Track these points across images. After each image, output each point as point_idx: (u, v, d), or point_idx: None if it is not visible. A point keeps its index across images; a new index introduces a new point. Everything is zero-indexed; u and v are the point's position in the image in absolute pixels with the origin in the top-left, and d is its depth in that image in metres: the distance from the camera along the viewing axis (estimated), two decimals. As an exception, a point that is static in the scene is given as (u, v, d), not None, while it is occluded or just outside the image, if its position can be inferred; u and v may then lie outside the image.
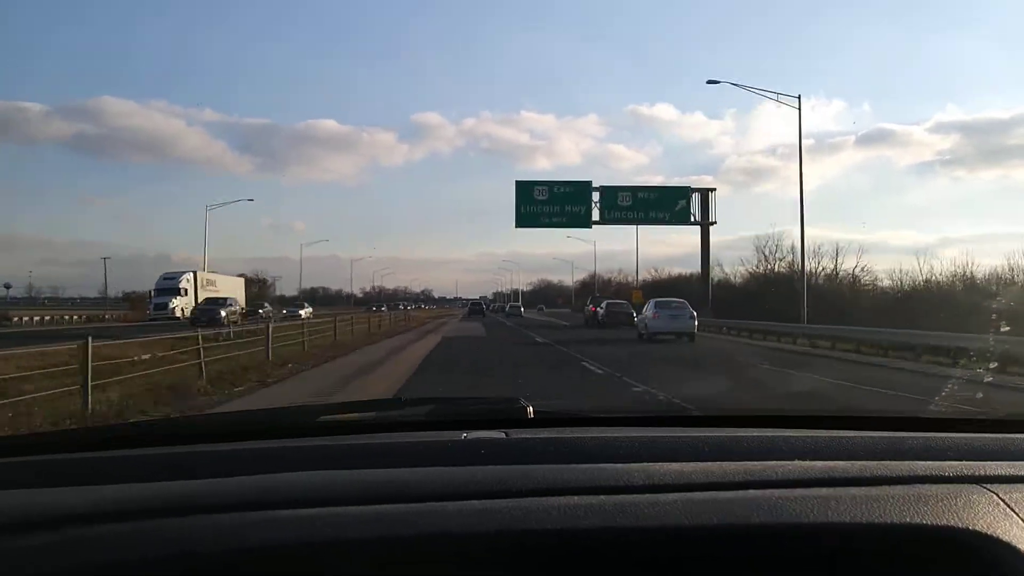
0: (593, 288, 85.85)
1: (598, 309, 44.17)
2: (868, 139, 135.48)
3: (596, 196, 44.11)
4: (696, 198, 44.68)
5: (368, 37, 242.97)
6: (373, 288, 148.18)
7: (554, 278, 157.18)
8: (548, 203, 43.47)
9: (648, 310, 28.48)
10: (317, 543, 0.91)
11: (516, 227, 44.15)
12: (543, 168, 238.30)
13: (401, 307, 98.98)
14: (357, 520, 0.94)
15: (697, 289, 45.62)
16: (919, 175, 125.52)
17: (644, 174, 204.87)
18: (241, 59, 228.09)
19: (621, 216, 44.30)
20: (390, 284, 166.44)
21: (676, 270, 74.49)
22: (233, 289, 64.60)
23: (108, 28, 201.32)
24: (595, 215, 44.02)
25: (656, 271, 79.55)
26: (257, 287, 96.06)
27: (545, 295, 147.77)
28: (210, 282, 60.02)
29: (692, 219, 44.47)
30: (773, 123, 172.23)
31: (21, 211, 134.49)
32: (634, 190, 44.50)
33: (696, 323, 27.00)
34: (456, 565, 0.91)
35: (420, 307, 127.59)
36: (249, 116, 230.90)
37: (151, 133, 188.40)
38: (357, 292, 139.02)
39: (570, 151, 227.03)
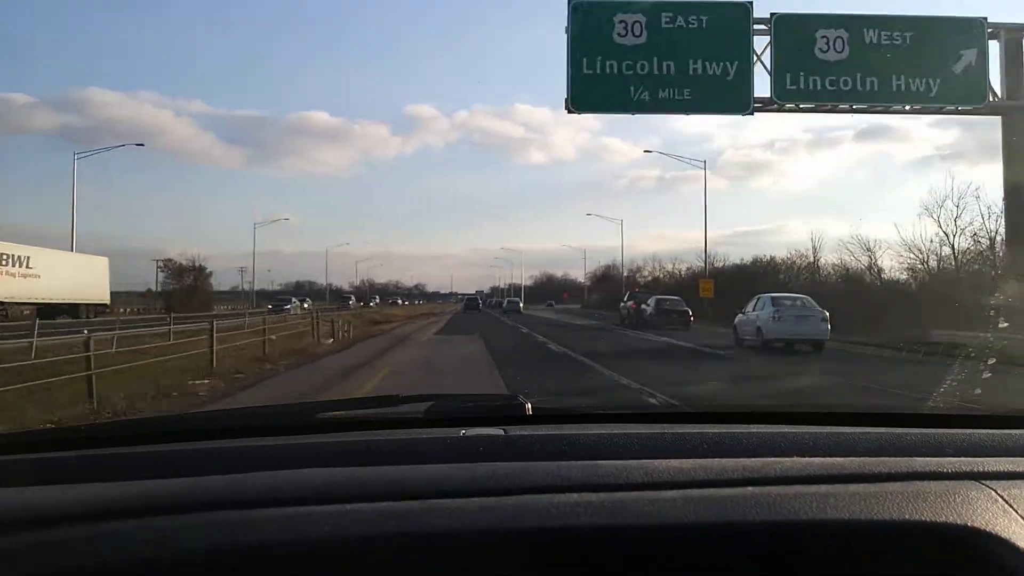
0: (618, 280, 73.64)
1: (644, 306, 34.06)
2: (867, 133, 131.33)
3: (761, 44, 16.31)
4: (998, 50, 16.75)
5: (360, 28, 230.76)
6: (363, 282, 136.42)
7: (557, 271, 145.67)
8: (645, 52, 15.75)
9: (762, 308, 19.73)
10: (315, 541, 0.89)
11: (569, 109, 16.45)
12: (538, 162, 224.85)
13: (352, 303, 69.59)
14: (355, 518, 0.93)
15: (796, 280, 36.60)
16: (918, 169, 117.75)
17: (640, 168, 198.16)
18: (231, 51, 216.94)
19: (823, 88, 16.72)
20: (381, 277, 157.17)
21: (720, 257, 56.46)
22: (77, 275, 36.20)
23: (91, 19, 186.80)
24: (760, 86, 18.41)
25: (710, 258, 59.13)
26: (192, 276, 67.06)
27: (548, 290, 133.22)
28: (17, 260, 31.83)
29: (990, 94, 16.58)
30: (772, 117, 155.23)
31: (13, 203, 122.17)
32: (852, 24, 16.63)
33: (829, 328, 18.70)
34: (455, 563, 0.89)
35: (395, 302, 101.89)
36: (239, 108, 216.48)
37: (139, 124, 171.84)
38: (345, 286, 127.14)
39: (565, 145, 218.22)
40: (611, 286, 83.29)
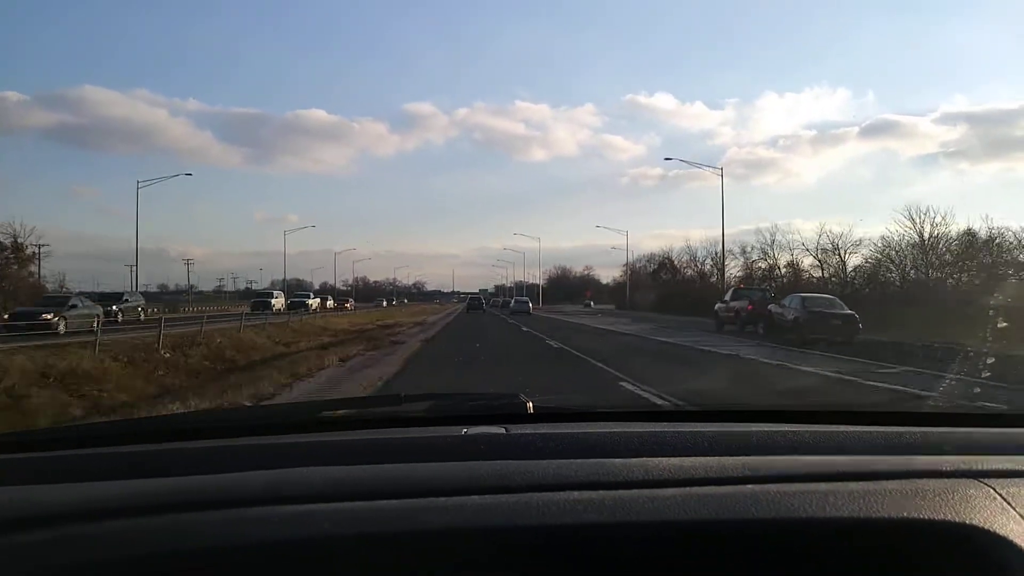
0: (681, 274, 63.18)
1: (778, 309, 23.38)
2: (872, 130, 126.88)
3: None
4: None
5: (358, 25, 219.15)
6: (356, 280, 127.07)
7: (575, 267, 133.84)
8: None
9: None
10: (318, 540, 0.89)
11: None
12: (540, 160, 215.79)
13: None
14: (357, 516, 0.93)
15: None
16: (922, 167, 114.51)
17: (642, 166, 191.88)
18: (226, 47, 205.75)
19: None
20: (377, 275, 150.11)
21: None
22: None
23: (86, 15, 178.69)
24: None
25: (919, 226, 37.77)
26: (4, 258, 37.34)
27: (564, 288, 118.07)
28: None
29: None
30: (775, 114, 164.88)
31: (9, 202, 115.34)
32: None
33: None
34: (456, 561, 0.90)
35: (301, 303, 53.67)
36: (235, 106, 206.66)
37: (135, 123, 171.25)
38: (339, 284, 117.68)
39: (566, 142, 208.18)
40: (680, 281, 56.81)
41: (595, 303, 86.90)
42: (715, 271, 57.43)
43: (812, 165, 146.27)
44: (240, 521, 0.92)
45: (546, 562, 0.89)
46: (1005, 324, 13.64)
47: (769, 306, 24.59)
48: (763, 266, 49.26)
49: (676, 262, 66.58)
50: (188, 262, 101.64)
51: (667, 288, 63.21)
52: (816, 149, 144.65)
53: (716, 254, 55.65)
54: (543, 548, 0.90)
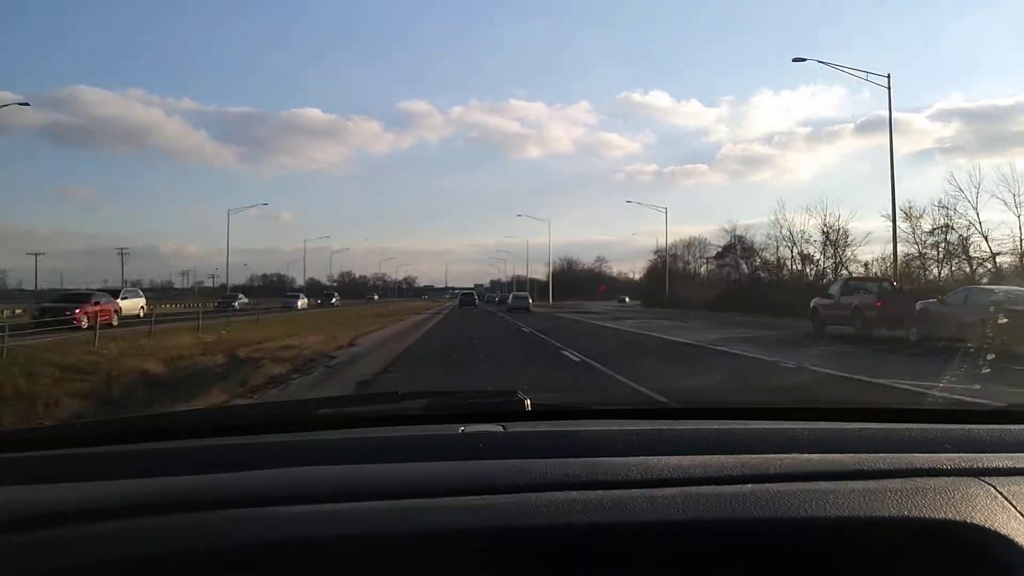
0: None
1: (950, 308, 16.60)
2: (868, 126, 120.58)
3: None
4: None
5: (354, 23, 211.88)
6: (341, 275, 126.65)
7: (584, 259, 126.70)
8: None
9: None
10: (313, 540, 0.90)
11: None
12: (534, 157, 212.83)
13: None
14: (354, 516, 0.94)
15: None
16: (918, 163, 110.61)
17: (637, 163, 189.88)
18: (222, 46, 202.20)
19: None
20: (365, 270, 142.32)
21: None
22: None
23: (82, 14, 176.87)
24: None
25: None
26: None
27: (569, 282, 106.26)
28: None
29: None
30: (770, 111, 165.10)
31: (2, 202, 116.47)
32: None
33: None
34: (455, 560, 0.90)
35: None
36: (230, 105, 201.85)
37: (129, 123, 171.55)
38: (325, 280, 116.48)
39: (561, 139, 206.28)
40: (757, 268, 44.93)
41: (608, 299, 75.21)
42: (830, 251, 41.26)
43: (808, 161, 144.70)
44: (238, 521, 0.92)
45: (545, 563, 0.89)
46: None
47: (918, 304, 18.05)
48: (942, 241, 34.20)
49: (747, 244, 52.45)
50: (122, 252, 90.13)
51: (752, 280, 47.43)
52: (811, 146, 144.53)
53: (835, 228, 39.75)
54: (542, 548, 0.90)
